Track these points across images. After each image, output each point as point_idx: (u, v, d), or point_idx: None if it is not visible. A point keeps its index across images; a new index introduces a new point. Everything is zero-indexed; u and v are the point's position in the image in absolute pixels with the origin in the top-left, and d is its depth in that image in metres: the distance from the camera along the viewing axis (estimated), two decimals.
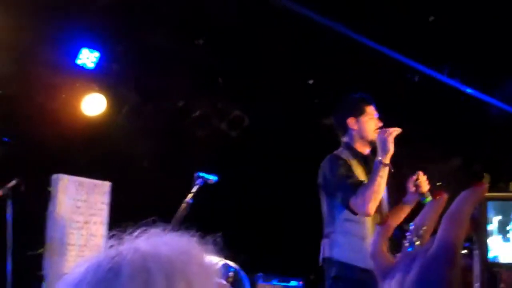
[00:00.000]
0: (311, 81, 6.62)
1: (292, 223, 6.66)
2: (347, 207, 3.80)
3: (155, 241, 0.88)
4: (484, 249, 0.66)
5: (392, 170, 3.96)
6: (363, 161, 4.05)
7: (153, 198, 6.16)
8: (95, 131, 6.29)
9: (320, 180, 3.99)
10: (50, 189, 4.63)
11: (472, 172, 5.96)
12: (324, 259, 3.97)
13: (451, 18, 5.39)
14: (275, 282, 6.04)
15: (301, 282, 6.16)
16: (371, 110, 4.03)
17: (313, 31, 5.62)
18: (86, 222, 4.75)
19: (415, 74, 5.99)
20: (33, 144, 6.07)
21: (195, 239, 0.93)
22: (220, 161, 5.94)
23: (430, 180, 3.85)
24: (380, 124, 4.03)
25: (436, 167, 4.16)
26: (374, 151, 4.00)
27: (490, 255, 0.66)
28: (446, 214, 0.64)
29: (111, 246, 0.89)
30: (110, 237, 0.91)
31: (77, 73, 6.10)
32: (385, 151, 3.74)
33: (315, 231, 4.39)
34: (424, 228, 0.66)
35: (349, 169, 3.91)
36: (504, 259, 0.66)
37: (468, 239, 0.67)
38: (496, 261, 0.66)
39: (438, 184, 4.07)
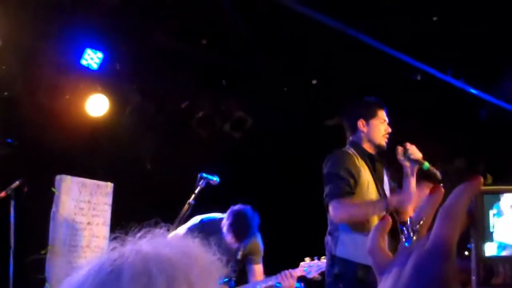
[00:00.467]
0: (314, 81, 6.61)
1: (294, 224, 6.65)
2: (326, 202, 3.84)
3: (157, 243, 0.88)
4: (480, 243, 0.65)
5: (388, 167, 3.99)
6: (369, 160, 4.07)
7: (155, 199, 6.16)
8: (99, 132, 6.29)
9: (323, 172, 4.03)
10: (54, 190, 4.63)
11: (475, 172, 5.95)
12: (327, 256, 4.00)
13: (455, 18, 5.39)
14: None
15: (302, 284, 6.14)
16: (382, 115, 4.08)
17: (317, 31, 5.62)
18: (89, 223, 4.75)
19: (418, 73, 5.98)
20: (36, 145, 6.08)
21: (197, 240, 0.93)
22: (223, 163, 5.94)
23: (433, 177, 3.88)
24: (389, 130, 4.07)
25: (439, 168, 4.16)
26: (380, 153, 4.05)
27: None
28: (441, 208, 0.63)
29: (113, 248, 0.89)
30: (113, 239, 0.91)
31: (81, 73, 6.11)
32: (399, 205, 3.81)
33: (317, 233, 4.39)
34: (421, 223, 0.66)
35: (353, 167, 3.93)
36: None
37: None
38: (491, 255, 0.65)
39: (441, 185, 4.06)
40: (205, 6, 5.71)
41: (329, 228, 4.02)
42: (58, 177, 4.66)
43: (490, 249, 0.65)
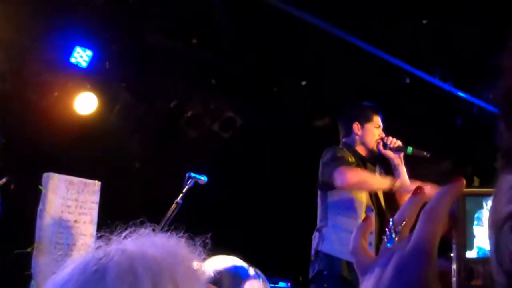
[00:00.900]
0: (304, 83, 6.63)
1: (281, 224, 6.66)
2: (330, 173, 3.83)
3: (142, 242, 0.88)
4: (461, 244, 0.66)
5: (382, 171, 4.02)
6: (361, 162, 4.12)
7: (143, 198, 6.15)
8: (87, 130, 6.27)
9: (319, 171, 4.07)
10: (41, 187, 4.60)
11: (462, 175, 5.96)
12: (312, 252, 4.03)
13: (444, 21, 5.41)
14: None
15: (289, 284, 6.15)
16: (377, 120, 4.15)
17: (307, 33, 5.63)
18: (76, 221, 4.72)
19: (406, 76, 6.01)
20: (24, 142, 6.05)
21: (183, 240, 0.93)
22: (212, 162, 5.93)
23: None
24: (383, 135, 4.12)
25: (425, 170, 4.20)
26: (377, 158, 4.11)
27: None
28: (423, 210, 0.64)
29: (99, 247, 0.88)
30: (98, 237, 0.91)
31: (70, 71, 6.08)
32: (403, 186, 3.86)
33: (304, 233, 4.40)
34: (403, 224, 0.66)
35: (349, 160, 3.99)
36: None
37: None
38: (472, 256, 0.66)
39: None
40: (196, 5, 5.71)
41: (318, 225, 4.05)
42: (45, 174, 4.64)
43: (471, 252, 0.66)
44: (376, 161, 4.22)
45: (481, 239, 0.66)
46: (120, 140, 6.48)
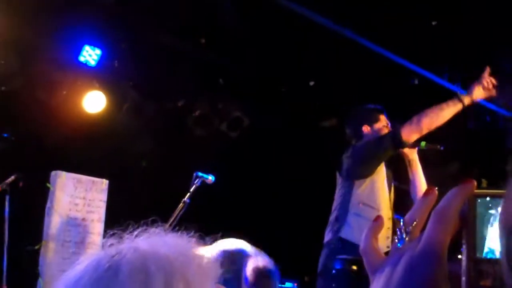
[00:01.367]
0: (312, 83, 6.62)
1: (288, 224, 6.66)
2: (395, 135, 3.90)
3: (154, 241, 0.89)
4: (471, 245, 0.66)
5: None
6: None
7: (150, 197, 6.16)
8: (95, 129, 6.29)
9: (343, 159, 4.10)
10: (49, 185, 4.62)
11: (470, 177, 5.94)
12: (327, 241, 4.05)
13: (453, 22, 5.40)
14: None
15: (295, 284, 6.15)
16: (384, 119, 4.23)
17: (315, 33, 5.63)
18: (83, 219, 4.74)
19: (415, 77, 6.00)
20: (32, 140, 6.08)
21: (193, 239, 0.94)
22: (219, 162, 5.94)
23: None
24: None
25: (433, 172, 4.21)
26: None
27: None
28: (433, 211, 0.64)
29: (111, 244, 0.89)
30: (110, 235, 0.92)
31: (79, 70, 6.11)
32: (468, 92, 3.96)
33: (311, 233, 4.40)
34: (414, 224, 0.67)
35: None
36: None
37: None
38: (482, 257, 0.66)
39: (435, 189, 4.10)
40: (204, 5, 5.72)
41: (336, 213, 4.07)
42: (53, 173, 4.65)
43: (481, 253, 0.66)
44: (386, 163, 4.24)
45: (492, 240, 0.66)
46: (128, 139, 6.50)
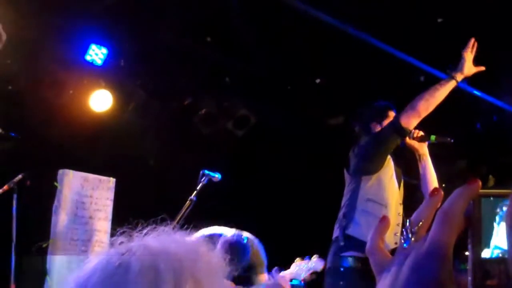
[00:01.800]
0: (318, 81, 6.62)
1: (294, 222, 6.66)
2: (395, 123, 3.95)
3: (164, 239, 0.89)
4: (476, 245, 0.66)
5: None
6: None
7: (157, 195, 6.17)
8: (102, 127, 6.31)
9: (350, 156, 4.11)
10: (56, 184, 4.63)
11: (477, 174, 5.95)
12: (335, 238, 4.05)
13: (460, 19, 5.38)
14: None
15: (302, 281, 6.15)
16: (393, 115, 4.20)
17: (321, 31, 5.62)
18: (90, 218, 4.75)
19: (422, 74, 5.99)
20: (39, 139, 6.09)
21: (202, 239, 0.94)
22: (226, 160, 5.95)
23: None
24: None
25: (441, 170, 4.20)
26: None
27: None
28: (439, 211, 0.64)
29: (121, 242, 0.90)
30: (120, 234, 0.92)
31: (85, 69, 6.12)
32: (459, 69, 4.03)
33: (317, 230, 4.40)
34: (420, 224, 0.67)
35: None
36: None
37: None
38: (487, 257, 0.66)
39: (443, 186, 4.09)
40: (210, 3, 5.72)
41: (344, 210, 4.07)
42: (60, 171, 4.67)
43: (486, 252, 0.66)
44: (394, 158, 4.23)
45: (498, 239, 0.66)
46: (134, 137, 6.51)
